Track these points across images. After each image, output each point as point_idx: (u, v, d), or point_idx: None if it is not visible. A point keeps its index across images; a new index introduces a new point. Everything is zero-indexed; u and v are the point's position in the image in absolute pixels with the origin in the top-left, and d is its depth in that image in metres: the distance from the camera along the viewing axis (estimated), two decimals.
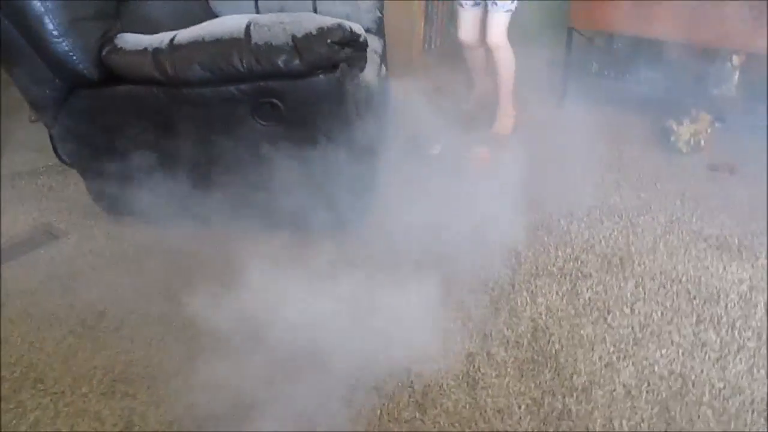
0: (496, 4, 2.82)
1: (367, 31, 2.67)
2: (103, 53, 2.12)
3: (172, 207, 2.30)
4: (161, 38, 2.09)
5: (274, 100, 2.07)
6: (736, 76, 2.99)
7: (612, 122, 3.19)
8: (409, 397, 1.74)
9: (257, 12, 2.75)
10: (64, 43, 2.09)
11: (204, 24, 2.11)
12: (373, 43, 2.61)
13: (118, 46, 2.13)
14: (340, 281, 2.03)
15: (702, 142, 2.90)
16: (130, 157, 2.28)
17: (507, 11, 2.84)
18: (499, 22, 2.86)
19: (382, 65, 2.77)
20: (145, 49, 2.08)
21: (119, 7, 2.30)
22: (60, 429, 1.69)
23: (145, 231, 2.45)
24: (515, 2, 2.82)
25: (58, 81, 2.19)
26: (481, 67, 3.24)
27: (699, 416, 1.66)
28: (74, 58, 2.10)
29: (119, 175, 2.41)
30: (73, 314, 2.08)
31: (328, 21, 1.99)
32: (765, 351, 1.84)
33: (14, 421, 1.71)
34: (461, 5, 2.99)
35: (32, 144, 3.08)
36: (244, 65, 1.98)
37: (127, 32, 2.19)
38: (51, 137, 2.40)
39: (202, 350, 1.86)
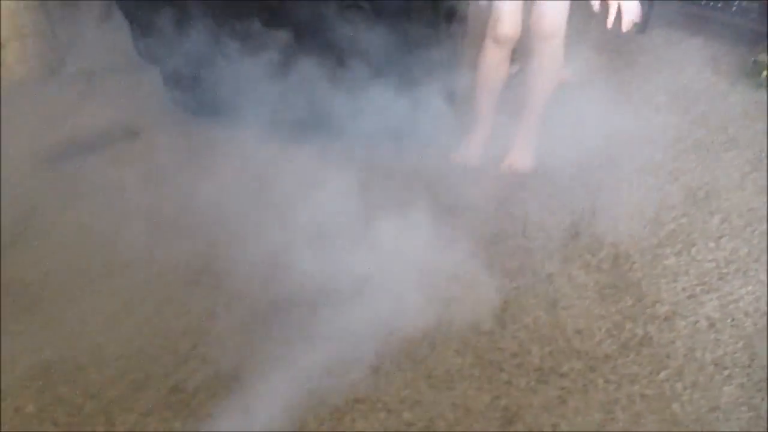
0: None
1: None
2: None
3: (250, 109, 2.29)
4: None
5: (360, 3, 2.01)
6: None
7: (700, 53, 3.03)
8: (488, 310, 1.74)
9: None
10: None
11: None
12: None
13: None
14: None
15: None
16: (211, 56, 2.26)
17: None
18: None
19: None
20: None
21: None
22: (147, 313, 1.74)
23: (221, 132, 2.43)
24: None
25: None
26: (499, 86, 2.24)
27: None
28: None
29: (197, 74, 2.40)
30: (154, 209, 2.11)
31: None
32: None
33: (104, 304, 1.78)
34: None
35: (104, 43, 3.06)
36: None
37: None
38: (132, 33, 2.39)
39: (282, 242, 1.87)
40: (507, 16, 2.06)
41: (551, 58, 2.11)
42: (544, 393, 1.54)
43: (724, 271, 1.87)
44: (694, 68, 2.90)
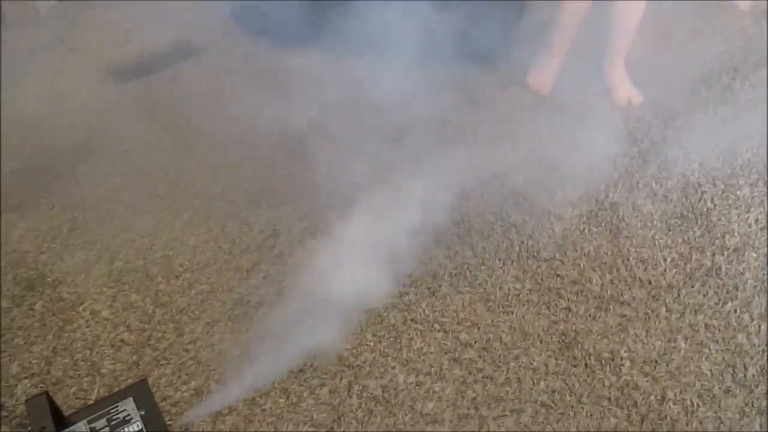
0: None
1: None
2: None
3: (315, 30, 2.25)
4: None
5: None
6: None
7: None
8: (549, 237, 1.72)
9: None
10: None
11: None
12: None
13: None
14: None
15: None
16: None
17: None
18: None
19: None
20: None
21: None
22: (211, 229, 1.79)
23: (285, 53, 2.41)
24: None
25: None
26: (580, 23, 2.15)
27: None
28: None
29: None
30: (216, 129, 2.13)
31: None
32: None
33: (171, 219, 1.83)
34: None
35: None
36: None
37: None
38: None
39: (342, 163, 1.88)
40: None
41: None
42: (603, 320, 1.52)
43: None
44: None
